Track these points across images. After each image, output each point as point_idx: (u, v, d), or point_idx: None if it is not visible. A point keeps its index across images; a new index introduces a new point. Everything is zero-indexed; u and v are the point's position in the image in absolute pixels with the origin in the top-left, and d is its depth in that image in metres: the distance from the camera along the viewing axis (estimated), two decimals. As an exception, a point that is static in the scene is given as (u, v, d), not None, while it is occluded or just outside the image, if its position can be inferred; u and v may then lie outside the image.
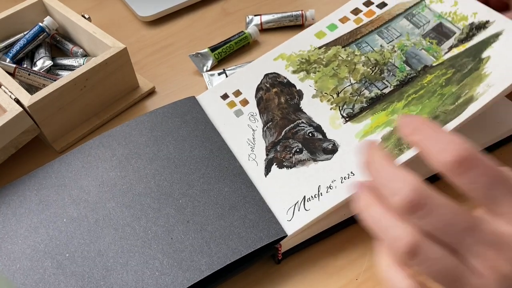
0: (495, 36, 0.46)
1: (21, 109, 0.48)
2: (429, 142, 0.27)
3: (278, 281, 0.42)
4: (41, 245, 0.42)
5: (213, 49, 0.62)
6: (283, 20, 0.65)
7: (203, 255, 0.40)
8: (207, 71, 0.61)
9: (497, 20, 0.47)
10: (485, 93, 0.42)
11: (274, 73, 0.54)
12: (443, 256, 0.26)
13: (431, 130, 0.27)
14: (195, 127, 0.50)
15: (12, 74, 0.54)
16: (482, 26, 0.47)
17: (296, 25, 0.66)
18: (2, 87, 0.50)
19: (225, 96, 0.53)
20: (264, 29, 0.66)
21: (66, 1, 0.61)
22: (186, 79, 0.61)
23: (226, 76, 0.58)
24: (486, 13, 0.48)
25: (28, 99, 0.48)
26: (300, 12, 0.65)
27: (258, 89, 0.53)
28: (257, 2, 0.71)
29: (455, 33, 0.49)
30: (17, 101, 0.49)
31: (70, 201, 0.45)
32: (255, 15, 0.66)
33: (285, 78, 0.53)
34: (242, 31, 0.64)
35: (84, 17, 0.59)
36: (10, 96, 0.49)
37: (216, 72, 0.60)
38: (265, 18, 0.66)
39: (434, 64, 0.48)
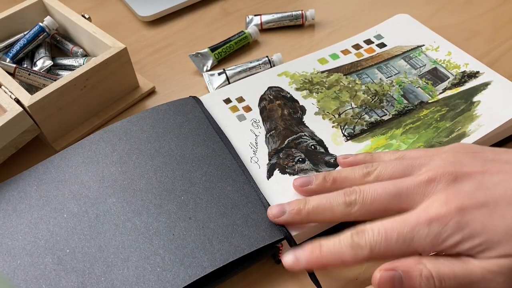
0: (485, 85, 0.52)
1: (21, 109, 0.48)
2: None
3: (278, 281, 0.42)
4: (41, 241, 0.42)
5: (213, 49, 0.62)
6: (283, 20, 0.65)
7: (205, 252, 0.40)
8: (207, 71, 0.61)
9: (486, 72, 0.53)
10: (476, 131, 0.47)
11: (278, 87, 0.55)
12: None
13: None
14: (197, 125, 0.50)
15: (12, 74, 0.53)
16: (473, 75, 0.53)
17: (296, 25, 0.66)
18: (2, 87, 0.50)
19: (227, 101, 0.53)
20: (264, 29, 0.66)
21: (66, 1, 0.61)
22: (186, 79, 0.61)
23: (226, 76, 0.58)
24: (476, 64, 0.54)
25: (28, 99, 0.48)
26: (300, 12, 0.65)
27: (262, 99, 0.54)
28: (257, 2, 0.71)
29: (448, 77, 0.54)
30: (17, 101, 0.49)
31: (71, 197, 0.45)
32: (255, 15, 0.66)
33: (288, 93, 0.54)
34: (242, 31, 0.64)
35: (84, 17, 0.59)
36: (10, 96, 0.49)
37: (216, 72, 0.59)
38: (265, 18, 0.66)
39: (429, 101, 0.52)
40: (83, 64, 0.57)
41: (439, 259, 0.36)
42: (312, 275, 0.40)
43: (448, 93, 0.52)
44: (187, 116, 0.51)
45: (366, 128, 0.50)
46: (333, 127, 0.50)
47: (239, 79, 0.58)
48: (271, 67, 0.59)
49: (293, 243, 0.41)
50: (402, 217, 0.36)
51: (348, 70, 0.56)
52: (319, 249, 0.38)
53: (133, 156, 0.47)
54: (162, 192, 0.44)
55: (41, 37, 0.59)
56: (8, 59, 0.58)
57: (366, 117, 0.51)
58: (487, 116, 0.48)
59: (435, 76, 0.54)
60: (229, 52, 0.63)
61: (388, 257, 0.36)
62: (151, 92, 0.60)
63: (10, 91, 0.50)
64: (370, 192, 0.39)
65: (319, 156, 0.48)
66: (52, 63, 0.59)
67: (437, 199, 0.36)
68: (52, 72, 0.59)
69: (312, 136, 0.49)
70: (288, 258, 0.39)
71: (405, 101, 0.52)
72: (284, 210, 0.41)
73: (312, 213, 0.40)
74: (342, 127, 0.50)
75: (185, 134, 0.49)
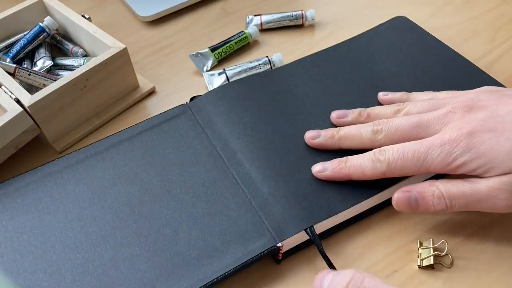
0: None
1: (21, 109, 0.48)
2: None
3: (278, 281, 0.42)
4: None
5: (213, 49, 0.62)
6: (283, 20, 0.65)
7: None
8: (207, 71, 0.61)
9: None
10: None
11: None
12: None
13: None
14: (193, 141, 0.50)
15: (12, 74, 0.54)
16: None
17: (296, 25, 0.66)
18: (2, 87, 0.50)
19: None
20: (264, 29, 0.66)
21: (66, 1, 0.61)
22: (186, 79, 0.61)
23: (226, 76, 0.58)
24: None
25: (28, 99, 0.48)
26: (300, 12, 0.65)
27: None
28: (257, 2, 0.71)
29: None
30: (17, 101, 0.49)
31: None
32: (255, 15, 0.66)
33: None
34: (242, 31, 0.64)
35: (84, 17, 0.59)
36: (10, 96, 0.49)
37: (216, 72, 0.60)
38: (265, 18, 0.66)
39: None
40: (83, 64, 0.57)
41: (450, 181, 0.41)
42: (325, 257, 0.41)
43: None
44: (181, 132, 0.50)
45: None
46: None
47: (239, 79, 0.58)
48: (271, 67, 0.59)
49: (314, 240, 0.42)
50: (420, 140, 0.41)
51: None
52: (345, 162, 0.43)
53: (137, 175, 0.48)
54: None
55: (41, 37, 0.59)
56: (8, 59, 0.58)
57: None
58: None
59: None
60: (229, 52, 0.63)
61: (403, 174, 0.42)
62: (151, 92, 0.60)
63: (10, 91, 0.50)
64: (395, 122, 0.43)
65: None
66: (52, 63, 0.59)
67: (451, 126, 0.41)
68: (52, 72, 0.59)
69: None
70: (317, 166, 0.45)
71: None
72: (319, 133, 0.47)
73: (343, 138, 0.46)
74: None
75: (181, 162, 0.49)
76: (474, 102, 0.42)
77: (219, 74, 0.59)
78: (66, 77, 0.51)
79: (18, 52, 0.59)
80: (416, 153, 0.41)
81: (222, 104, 0.52)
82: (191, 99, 0.54)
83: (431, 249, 0.42)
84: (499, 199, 0.39)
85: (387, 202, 0.46)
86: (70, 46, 0.61)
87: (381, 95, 0.51)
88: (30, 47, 0.59)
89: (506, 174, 0.39)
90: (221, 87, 0.54)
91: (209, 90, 0.58)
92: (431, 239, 0.43)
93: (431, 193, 0.41)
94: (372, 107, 0.48)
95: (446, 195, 0.40)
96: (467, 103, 0.42)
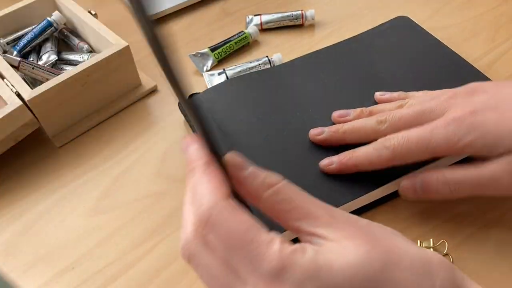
0: None
1: (21, 102, 0.48)
2: (189, 194, 0.29)
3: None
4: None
5: (213, 49, 0.62)
6: (283, 20, 0.66)
7: None
8: (207, 71, 0.61)
9: None
10: None
11: None
12: (215, 267, 0.27)
13: (198, 176, 0.29)
14: None
15: (16, 67, 0.54)
16: None
17: (296, 25, 0.66)
18: (5, 80, 0.51)
19: None
20: (264, 29, 0.66)
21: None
22: (186, 79, 0.61)
23: (226, 76, 0.58)
24: None
25: (28, 93, 0.49)
26: (300, 12, 0.65)
27: None
28: (257, 2, 0.71)
29: None
30: (18, 95, 0.49)
31: None
32: (255, 15, 0.66)
33: None
34: (242, 31, 0.64)
35: (91, 13, 0.59)
36: (11, 89, 0.49)
37: (216, 72, 0.60)
38: (265, 18, 0.66)
39: None
40: (87, 60, 0.57)
41: (454, 167, 0.41)
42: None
43: None
44: None
45: None
46: None
47: (239, 78, 0.58)
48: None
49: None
50: (424, 125, 0.42)
51: None
52: (351, 153, 0.44)
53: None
54: None
55: (48, 31, 0.60)
56: (15, 52, 0.59)
57: None
58: None
59: None
60: (229, 52, 0.63)
61: (409, 160, 0.42)
62: (153, 91, 0.60)
63: (11, 85, 0.50)
64: (399, 112, 0.44)
65: None
66: (57, 58, 0.59)
67: (455, 108, 0.41)
68: (57, 66, 0.59)
69: None
70: (324, 161, 0.45)
71: None
72: (323, 130, 0.47)
73: (348, 131, 0.46)
74: None
75: None
76: (475, 87, 0.43)
77: (219, 74, 0.59)
78: (66, 72, 0.51)
79: (25, 46, 0.59)
80: (421, 136, 0.41)
81: (220, 102, 0.52)
82: (190, 96, 0.54)
83: (431, 249, 0.42)
84: (503, 181, 0.39)
85: (386, 198, 0.46)
86: (76, 41, 0.61)
87: (378, 95, 0.51)
88: (37, 41, 0.60)
89: (510, 152, 0.39)
90: (219, 85, 0.54)
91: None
92: (431, 239, 0.43)
93: (435, 178, 0.41)
94: (374, 105, 0.49)
95: (451, 180, 0.41)
96: (468, 88, 0.43)
